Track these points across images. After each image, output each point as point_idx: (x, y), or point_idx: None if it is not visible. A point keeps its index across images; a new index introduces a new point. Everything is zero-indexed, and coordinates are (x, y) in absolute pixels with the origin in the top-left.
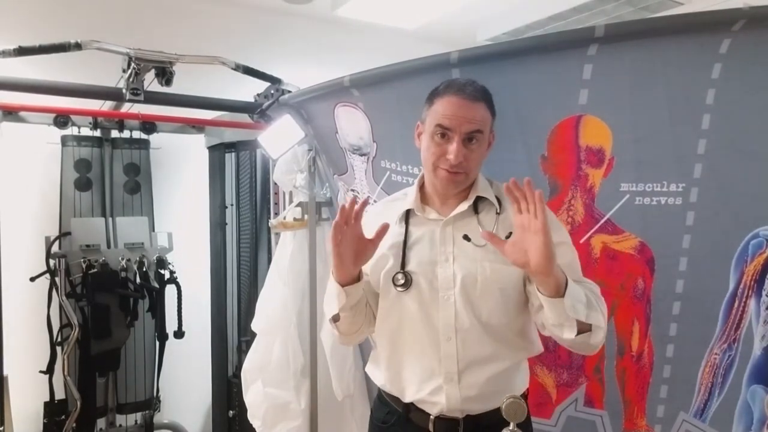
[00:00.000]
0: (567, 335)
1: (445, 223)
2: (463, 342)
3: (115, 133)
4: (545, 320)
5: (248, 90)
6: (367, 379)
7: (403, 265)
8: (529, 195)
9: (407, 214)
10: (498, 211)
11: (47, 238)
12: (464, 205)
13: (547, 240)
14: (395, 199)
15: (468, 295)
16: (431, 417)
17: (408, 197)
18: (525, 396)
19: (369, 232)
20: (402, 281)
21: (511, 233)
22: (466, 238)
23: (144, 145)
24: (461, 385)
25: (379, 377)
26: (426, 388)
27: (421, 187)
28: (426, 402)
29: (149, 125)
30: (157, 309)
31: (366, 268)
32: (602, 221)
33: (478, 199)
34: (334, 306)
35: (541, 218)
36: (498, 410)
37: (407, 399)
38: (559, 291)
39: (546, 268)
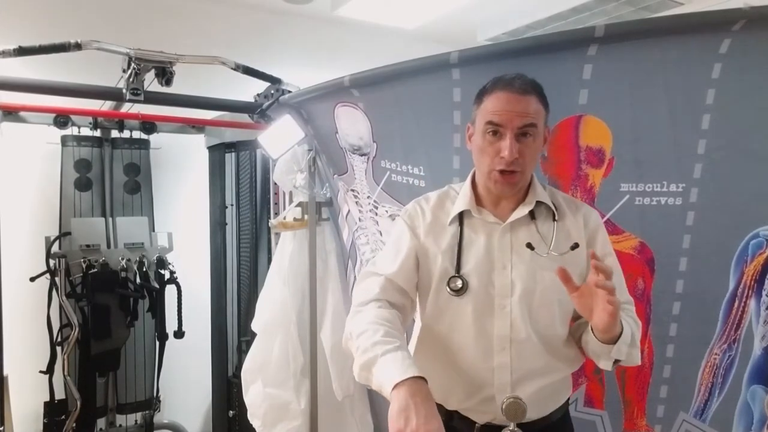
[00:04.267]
0: (602, 365)
1: (503, 228)
2: (518, 353)
3: (115, 133)
4: (585, 345)
5: (248, 90)
6: None
7: (458, 268)
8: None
9: (461, 214)
10: (555, 218)
11: (47, 238)
12: (524, 210)
13: (615, 314)
14: (446, 195)
15: (526, 305)
16: (477, 425)
17: (461, 196)
18: (568, 403)
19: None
20: (459, 286)
21: (576, 244)
22: (530, 246)
23: (144, 145)
24: None
25: None
26: (475, 398)
27: (473, 185)
28: (474, 411)
29: (149, 125)
30: (157, 309)
31: (409, 270)
32: (602, 221)
33: (536, 204)
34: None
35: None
36: (547, 416)
37: (451, 407)
38: (612, 340)
39: (605, 331)
